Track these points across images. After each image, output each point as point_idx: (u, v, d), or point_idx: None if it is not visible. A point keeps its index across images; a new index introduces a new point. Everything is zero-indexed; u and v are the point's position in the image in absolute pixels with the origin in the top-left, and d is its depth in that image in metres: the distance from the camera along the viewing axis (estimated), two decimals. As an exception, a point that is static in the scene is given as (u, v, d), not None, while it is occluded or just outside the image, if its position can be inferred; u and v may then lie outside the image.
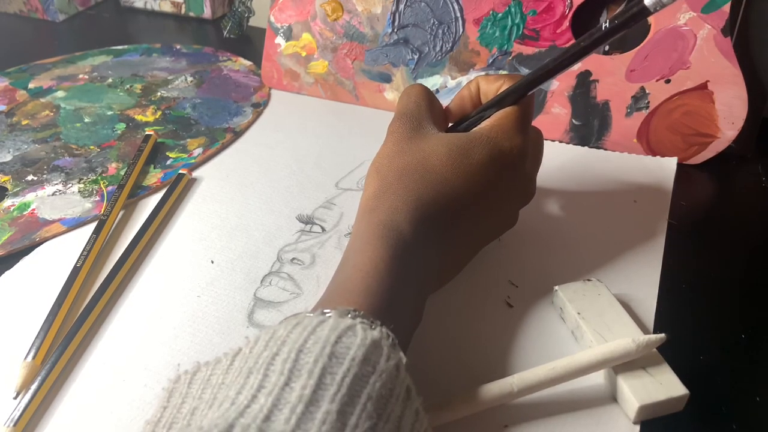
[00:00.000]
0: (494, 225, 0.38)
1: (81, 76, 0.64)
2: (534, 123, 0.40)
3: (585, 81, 0.51)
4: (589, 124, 0.52)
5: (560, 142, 0.53)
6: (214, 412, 0.23)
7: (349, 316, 0.26)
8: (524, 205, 0.39)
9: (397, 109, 0.38)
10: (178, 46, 0.70)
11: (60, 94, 0.60)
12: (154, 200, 0.47)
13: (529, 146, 0.37)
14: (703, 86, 0.48)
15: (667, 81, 0.49)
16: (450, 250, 0.34)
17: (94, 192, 0.48)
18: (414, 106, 0.37)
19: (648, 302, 0.38)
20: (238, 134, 0.55)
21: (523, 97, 0.36)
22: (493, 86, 0.38)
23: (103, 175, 0.49)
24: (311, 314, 0.26)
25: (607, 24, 0.31)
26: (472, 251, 0.37)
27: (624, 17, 0.30)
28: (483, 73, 0.54)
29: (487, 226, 0.37)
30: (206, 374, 0.26)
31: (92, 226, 0.44)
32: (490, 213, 0.36)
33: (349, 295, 0.28)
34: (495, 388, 0.30)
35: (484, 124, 0.36)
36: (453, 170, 0.34)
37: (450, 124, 0.40)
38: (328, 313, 0.26)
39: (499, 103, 0.37)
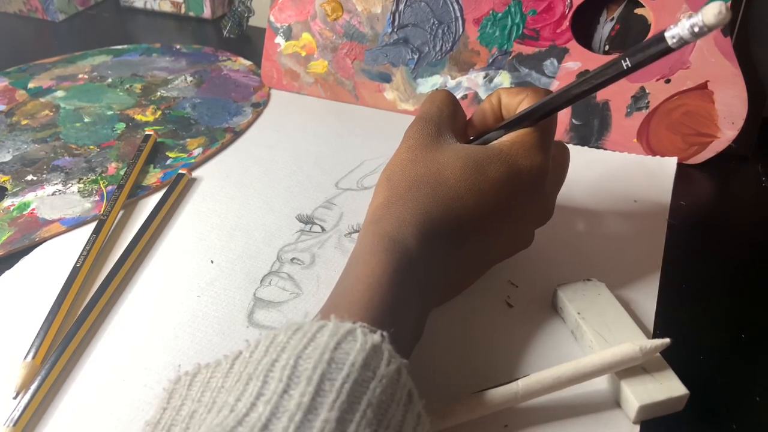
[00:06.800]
0: (506, 245, 0.36)
1: (81, 75, 0.64)
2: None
3: (585, 81, 0.51)
4: (589, 124, 0.52)
5: (560, 142, 0.53)
6: (213, 418, 0.23)
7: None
8: (540, 226, 0.37)
9: (418, 112, 0.36)
10: (178, 46, 0.70)
11: (60, 93, 0.60)
12: (153, 200, 0.47)
13: (549, 165, 0.35)
14: (703, 86, 0.48)
15: (667, 81, 0.49)
16: (457, 267, 0.33)
17: (94, 192, 0.48)
18: (436, 111, 0.36)
19: (648, 302, 0.38)
20: (237, 134, 0.55)
21: (546, 117, 0.34)
22: (515, 99, 0.36)
23: (103, 174, 0.49)
24: (312, 320, 0.26)
25: (629, 63, 0.29)
26: (480, 269, 0.36)
27: (647, 56, 0.28)
28: (483, 73, 0.54)
29: (498, 245, 0.35)
30: (206, 376, 0.26)
31: (92, 225, 0.44)
32: (503, 232, 0.34)
33: (351, 307, 0.27)
34: (499, 394, 0.30)
35: (504, 139, 0.34)
36: (466, 186, 0.32)
37: (471, 138, 0.38)
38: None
39: (521, 121, 0.35)
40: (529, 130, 0.34)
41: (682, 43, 0.26)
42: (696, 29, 0.25)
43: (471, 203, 0.32)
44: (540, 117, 0.34)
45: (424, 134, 0.34)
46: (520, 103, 0.36)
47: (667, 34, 0.26)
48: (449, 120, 0.36)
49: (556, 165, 0.37)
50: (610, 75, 0.30)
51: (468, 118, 0.39)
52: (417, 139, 0.34)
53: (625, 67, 0.29)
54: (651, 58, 0.28)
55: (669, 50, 0.27)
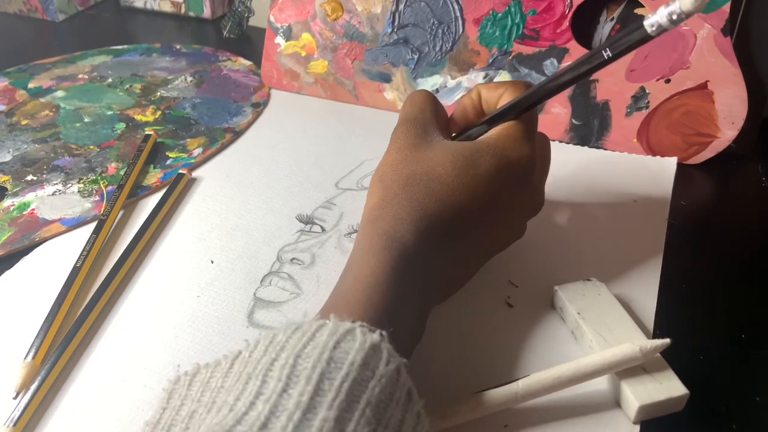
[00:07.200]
0: (501, 236, 0.37)
1: (81, 76, 0.64)
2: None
3: (585, 81, 0.51)
4: (589, 124, 0.52)
5: (560, 142, 0.53)
6: (212, 418, 0.23)
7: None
8: (532, 216, 0.38)
9: (400, 115, 0.37)
10: (178, 46, 0.70)
11: (60, 94, 0.60)
12: (153, 200, 0.47)
13: (537, 156, 0.36)
14: (703, 86, 0.48)
15: (667, 81, 0.49)
16: (455, 262, 0.34)
17: (94, 192, 0.48)
18: (418, 111, 0.36)
19: (648, 302, 0.38)
20: (237, 134, 0.55)
21: (529, 110, 0.35)
22: (494, 94, 0.37)
23: (103, 174, 0.49)
24: (311, 320, 0.26)
25: (609, 53, 0.29)
26: (477, 264, 0.36)
27: (627, 44, 0.29)
28: (483, 73, 0.54)
29: (493, 237, 0.36)
30: (206, 376, 0.26)
31: (92, 226, 0.44)
32: (497, 224, 0.35)
33: (350, 307, 0.27)
34: (499, 394, 0.30)
35: (491, 133, 0.35)
36: (459, 180, 0.33)
37: (453, 134, 0.39)
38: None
39: (504, 115, 0.35)
40: (514, 123, 0.35)
41: (661, 30, 0.27)
42: (674, 16, 0.26)
43: (465, 197, 0.33)
44: (524, 110, 0.35)
45: (411, 135, 0.35)
46: (500, 97, 0.37)
47: (646, 23, 0.27)
48: (432, 119, 0.36)
49: (541, 155, 0.38)
50: (591, 65, 0.31)
51: (449, 115, 0.39)
52: (405, 140, 0.35)
53: (605, 57, 0.30)
54: (631, 47, 0.29)
55: (648, 38, 0.27)
